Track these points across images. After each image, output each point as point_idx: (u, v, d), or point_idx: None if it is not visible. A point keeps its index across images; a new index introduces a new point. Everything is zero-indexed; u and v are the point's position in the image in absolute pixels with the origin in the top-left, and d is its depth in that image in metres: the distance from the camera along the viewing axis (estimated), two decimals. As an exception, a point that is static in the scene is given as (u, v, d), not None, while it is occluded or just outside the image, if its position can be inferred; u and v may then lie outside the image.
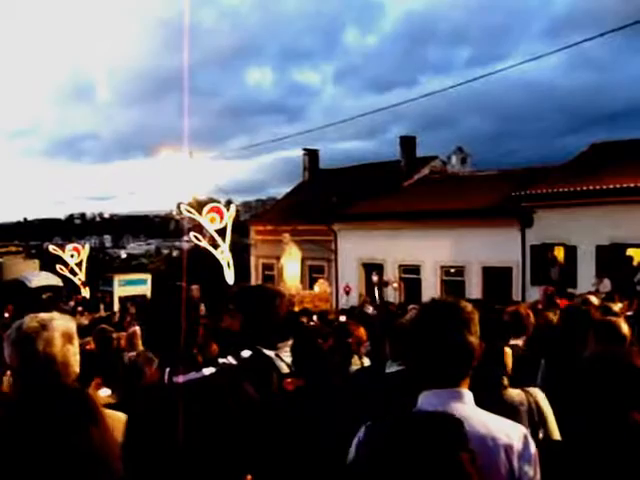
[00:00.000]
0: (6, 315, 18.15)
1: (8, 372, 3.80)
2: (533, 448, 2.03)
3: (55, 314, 2.39)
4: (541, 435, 3.13)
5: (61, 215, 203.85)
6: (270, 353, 3.35)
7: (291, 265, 21.52)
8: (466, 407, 2.06)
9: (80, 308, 22.65)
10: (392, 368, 4.20)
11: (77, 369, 2.34)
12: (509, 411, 2.94)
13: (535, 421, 3.25)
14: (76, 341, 2.36)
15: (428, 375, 2.12)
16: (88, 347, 7.54)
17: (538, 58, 14.95)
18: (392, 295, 23.03)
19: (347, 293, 23.92)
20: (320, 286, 21.27)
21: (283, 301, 3.53)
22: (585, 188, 18.82)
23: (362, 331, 6.70)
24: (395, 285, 23.62)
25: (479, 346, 2.12)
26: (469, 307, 2.17)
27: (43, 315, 2.33)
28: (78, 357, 2.35)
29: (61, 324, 2.31)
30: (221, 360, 3.26)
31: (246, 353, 3.32)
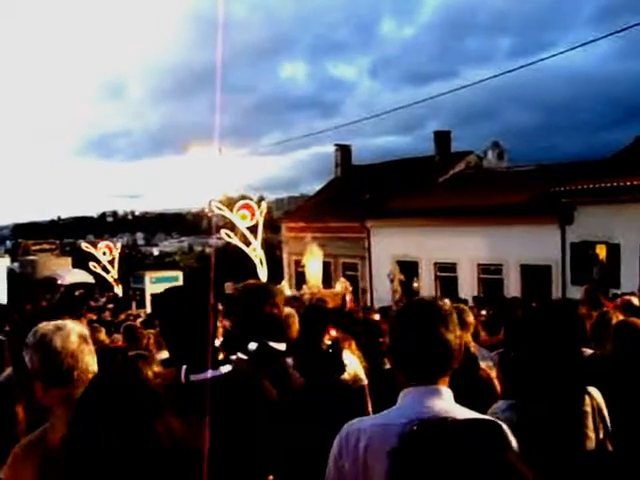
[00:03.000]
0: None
1: None
2: (514, 443, 1.94)
3: (68, 321, 2.46)
4: (601, 436, 2.97)
5: (94, 213, 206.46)
6: (279, 346, 3.39)
7: (313, 264, 21.35)
8: (445, 403, 2.08)
9: (110, 305, 22.65)
10: None
11: (95, 368, 2.37)
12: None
13: (597, 422, 3.11)
14: (91, 343, 2.41)
15: (408, 372, 2.15)
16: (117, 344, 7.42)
17: (584, 45, 14.31)
18: (429, 294, 22.59)
19: (391, 280, 23.69)
20: (341, 284, 21.13)
21: (269, 299, 3.43)
22: (629, 183, 18.12)
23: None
24: (399, 278, 23.50)
25: (459, 345, 2.16)
26: (447, 306, 2.24)
27: (58, 322, 2.41)
28: (95, 358, 2.40)
29: (75, 326, 2.40)
30: (232, 357, 3.20)
31: (252, 346, 3.32)
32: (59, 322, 2.41)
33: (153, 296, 24.43)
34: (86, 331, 2.43)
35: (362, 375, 5.08)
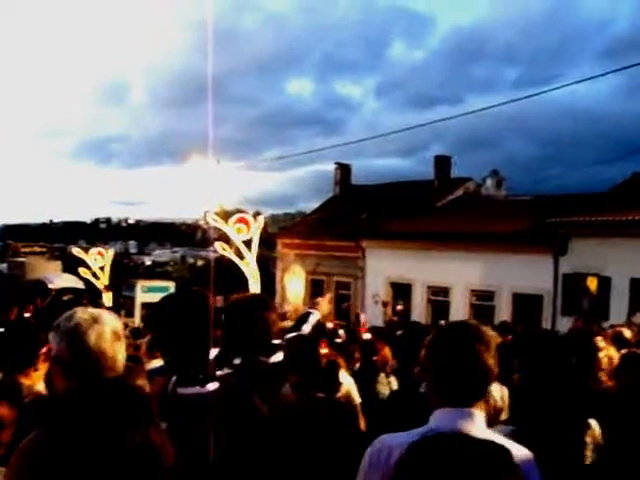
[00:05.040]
0: (27, 315, 17.95)
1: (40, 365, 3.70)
2: (537, 472, 2.11)
3: (104, 310, 2.36)
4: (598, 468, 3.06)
5: (86, 219, 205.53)
6: (271, 359, 3.26)
7: (295, 283, 21.42)
8: (476, 427, 2.07)
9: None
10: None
11: (122, 368, 2.28)
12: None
13: (595, 454, 3.18)
14: (123, 339, 2.30)
15: (446, 394, 2.13)
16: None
17: (589, 79, 14.49)
18: (420, 317, 22.63)
19: (385, 305, 23.61)
20: (321, 303, 21.08)
21: (265, 312, 3.31)
22: (624, 218, 18.30)
23: (387, 350, 6.87)
24: (383, 301, 23.53)
25: (496, 370, 2.16)
26: (490, 330, 2.23)
27: (93, 309, 2.30)
28: (125, 355, 2.31)
29: (111, 320, 2.28)
30: (218, 373, 3.10)
31: (237, 360, 3.25)
32: (95, 312, 2.28)
33: (148, 304, 24.40)
34: (120, 325, 2.32)
35: (355, 394, 5.12)
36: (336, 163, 34.42)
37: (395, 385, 6.27)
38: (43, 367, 3.77)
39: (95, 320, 2.22)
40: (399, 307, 22.56)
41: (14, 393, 2.97)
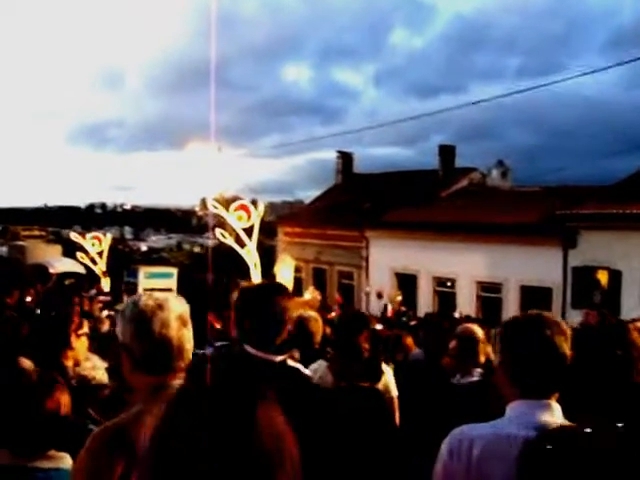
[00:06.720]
0: (29, 299, 17.71)
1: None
2: None
3: (170, 294, 2.25)
4: None
5: (82, 203, 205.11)
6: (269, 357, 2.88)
7: (284, 273, 21.19)
8: (555, 419, 2.07)
9: (102, 297, 22.28)
10: (464, 379, 4.31)
11: (190, 355, 2.18)
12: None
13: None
14: (190, 326, 2.19)
15: (524, 386, 2.12)
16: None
17: (596, 72, 14.19)
18: (426, 308, 22.48)
19: (380, 297, 23.30)
20: (311, 293, 20.94)
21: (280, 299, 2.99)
22: (635, 211, 18.10)
23: (410, 340, 7.14)
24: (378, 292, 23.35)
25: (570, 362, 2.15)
26: (565, 321, 2.23)
27: (158, 294, 2.20)
28: (192, 343, 2.20)
29: (177, 306, 2.17)
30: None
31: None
32: (159, 297, 2.17)
33: (151, 290, 24.07)
34: (187, 310, 2.20)
35: (393, 386, 4.99)
36: (338, 152, 34.15)
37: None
38: (78, 343, 3.85)
39: (160, 306, 2.13)
40: (398, 298, 22.42)
41: (66, 377, 2.91)
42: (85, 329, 4.00)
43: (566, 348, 2.13)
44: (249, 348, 2.86)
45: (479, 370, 4.38)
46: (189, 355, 2.17)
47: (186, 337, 2.16)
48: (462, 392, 4.17)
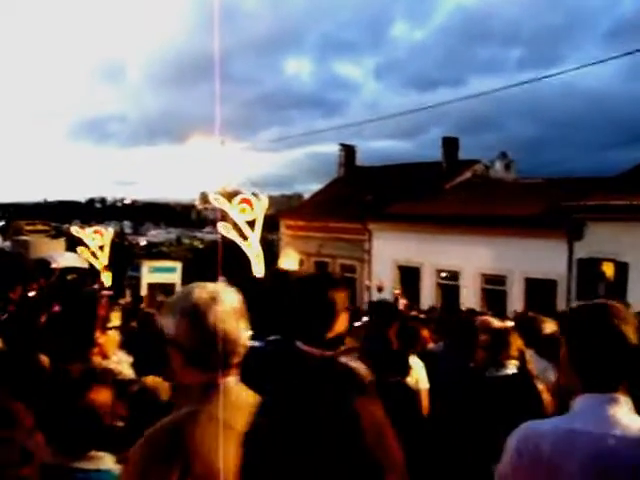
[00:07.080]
0: (32, 294, 17.63)
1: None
2: None
3: (223, 285, 2.20)
4: None
5: (82, 198, 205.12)
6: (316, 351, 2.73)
7: (287, 266, 21.16)
8: (623, 413, 2.00)
9: (104, 292, 22.21)
10: (499, 372, 4.27)
11: (245, 349, 2.13)
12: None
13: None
14: (245, 318, 2.12)
15: (590, 380, 2.05)
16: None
17: (598, 63, 14.11)
18: (429, 301, 22.38)
19: (380, 290, 23.17)
20: None
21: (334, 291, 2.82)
22: (641, 202, 17.97)
23: (426, 332, 7.03)
24: (379, 286, 23.22)
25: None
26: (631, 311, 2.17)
27: (212, 287, 2.12)
28: (247, 334, 2.15)
29: (231, 298, 2.10)
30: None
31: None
32: (212, 289, 2.10)
33: (154, 284, 24.01)
34: (241, 302, 2.13)
35: (424, 378, 5.00)
36: (341, 144, 33.99)
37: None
38: (105, 338, 3.80)
39: (214, 299, 2.05)
40: (397, 292, 22.33)
41: (106, 376, 2.77)
42: (115, 322, 3.94)
43: (634, 338, 2.05)
44: (299, 344, 2.76)
45: (514, 362, 4.30)
46: (243, 350, 2.12)
47: (241, 330, 2.10)
48: (498, 385, 4.13)
